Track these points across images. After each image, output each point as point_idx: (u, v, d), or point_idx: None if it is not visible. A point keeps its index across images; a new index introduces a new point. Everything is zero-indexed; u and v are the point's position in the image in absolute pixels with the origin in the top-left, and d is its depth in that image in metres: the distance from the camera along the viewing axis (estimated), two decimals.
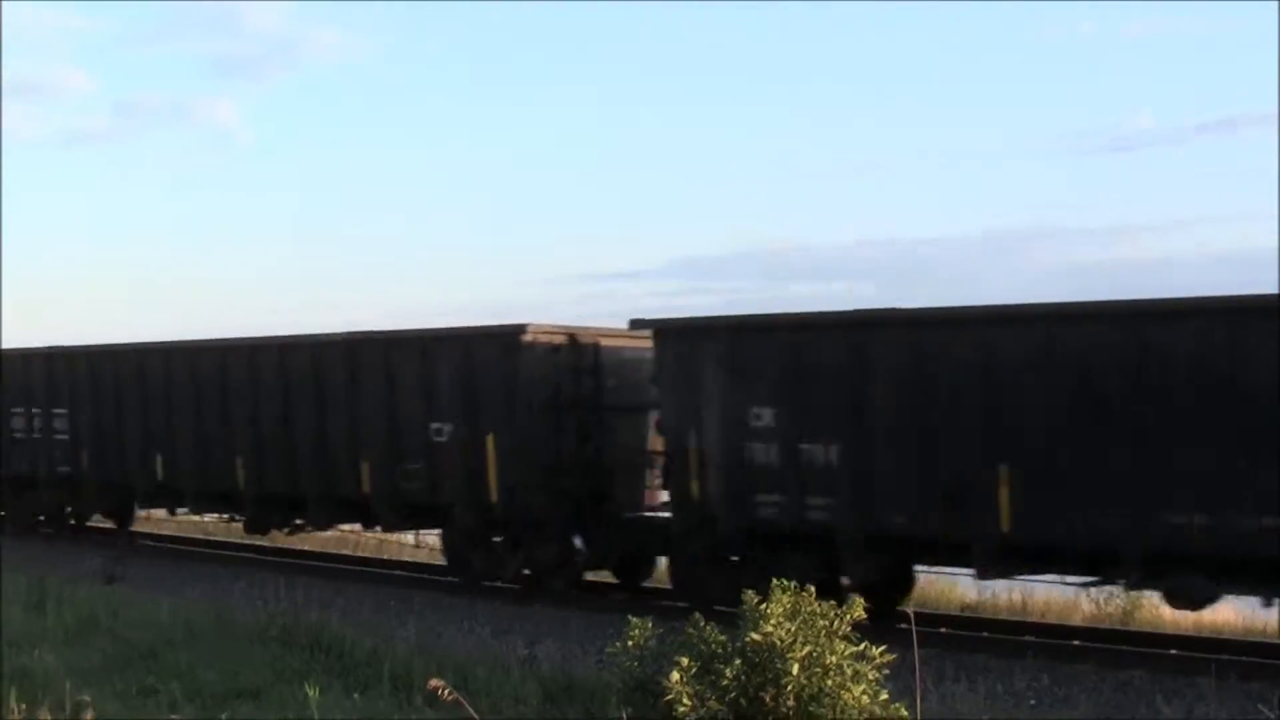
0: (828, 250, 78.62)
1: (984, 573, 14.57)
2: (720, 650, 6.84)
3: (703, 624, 7.00)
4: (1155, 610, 16.58)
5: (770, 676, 6.65)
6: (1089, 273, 64.03)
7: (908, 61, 76.28)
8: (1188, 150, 75.46)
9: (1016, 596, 18.02)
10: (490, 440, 17.72)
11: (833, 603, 6.92)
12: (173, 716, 10.18)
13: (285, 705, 10.57)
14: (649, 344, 16.89)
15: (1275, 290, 12.73)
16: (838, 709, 6.60)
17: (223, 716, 10.19)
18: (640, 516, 17.95)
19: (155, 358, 22.61)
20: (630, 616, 7.27)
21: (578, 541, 17.72)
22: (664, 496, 17.48)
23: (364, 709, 10.48)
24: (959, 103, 77.14)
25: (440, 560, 20.17)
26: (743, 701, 6.68)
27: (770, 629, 6.68)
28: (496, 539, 18.35)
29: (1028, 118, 79.74)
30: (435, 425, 18.39)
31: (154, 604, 15.89)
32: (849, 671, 6.70)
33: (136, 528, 25.91)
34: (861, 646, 6.83)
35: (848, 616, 6.86)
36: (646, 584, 18.49)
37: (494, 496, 17.80)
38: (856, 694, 6.65)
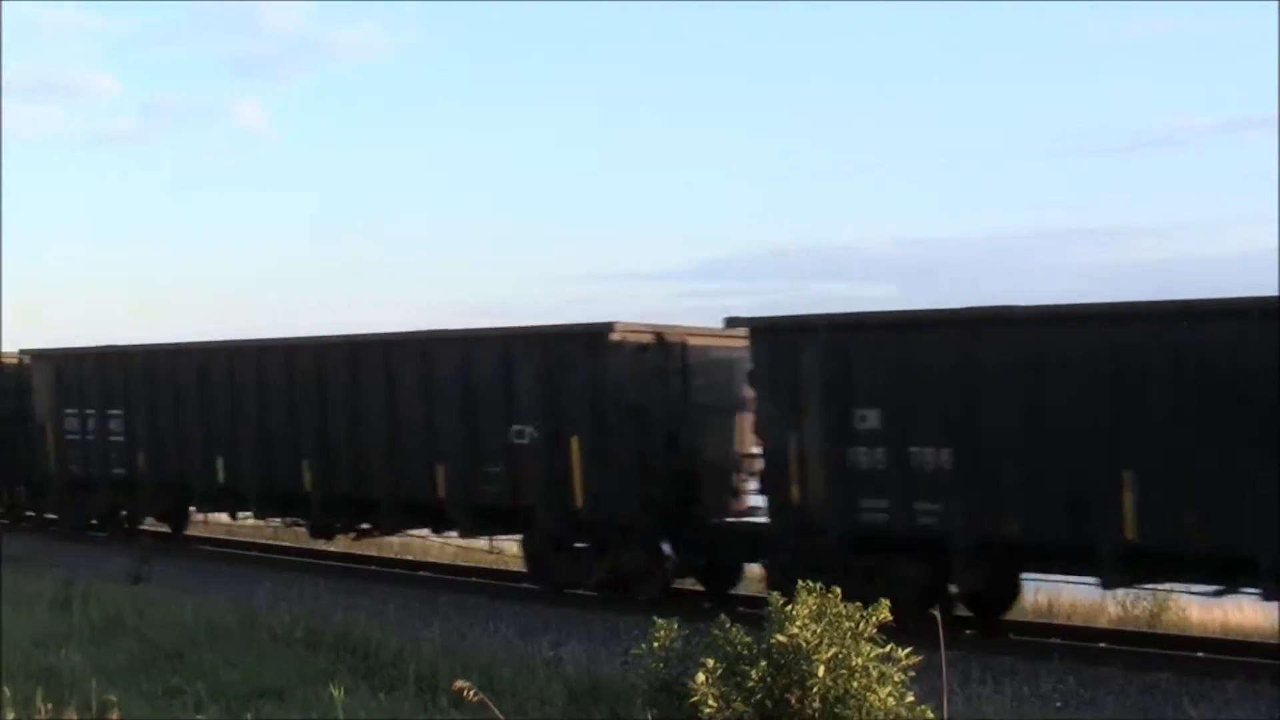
0: (829, 250, 78.59)
1: (1108, 582, 14.19)
2: (746, 651, 6.81)
3: (728, 625, 6.98)
4: (1182, 612, 16.49)
5: (796, 678, 6.62)
6: (1090, 273, 63.80)
7: (908, 61, 76.24)
8: (1188, 151, 75.29)
9: (1042, 599, 17.92)
10: (575, 443, 17.24)
11: (858, 604, 6.89)
12: (198, 717, 10.22)
13: (310, 706, 10.60)
14: (737, 343, 16.51)
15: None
16: (864, 711, 6.57)
17: (248, 717, 10.21)
18: (728, 522, 17.30)
19: (217, 357, 22.22)
20: (656, 618, 7.26)
21: (666, 548, 17.21)
22: (751, 501, 17.11)
23: (389, 709, 10.51)
24: (959, 103, 77.08)
25: (484, 564, 19.66)
26: (768, 703, 6.65)
27: (796, 630, 6.65)
28: (579, 545, 17.87)
29: (1028, 118, 79.60)
30: (516, 427, 17.88)
31: (179, 604, 15.94)
32: (875, 673, 6.66)
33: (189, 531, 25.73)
34: (888, 648, 6.79)
35: (873, 618, 6.83)
36: (733, 591, 17.67)
37: (579, 501, 17.27)
38: (882, 696, 6.61)
